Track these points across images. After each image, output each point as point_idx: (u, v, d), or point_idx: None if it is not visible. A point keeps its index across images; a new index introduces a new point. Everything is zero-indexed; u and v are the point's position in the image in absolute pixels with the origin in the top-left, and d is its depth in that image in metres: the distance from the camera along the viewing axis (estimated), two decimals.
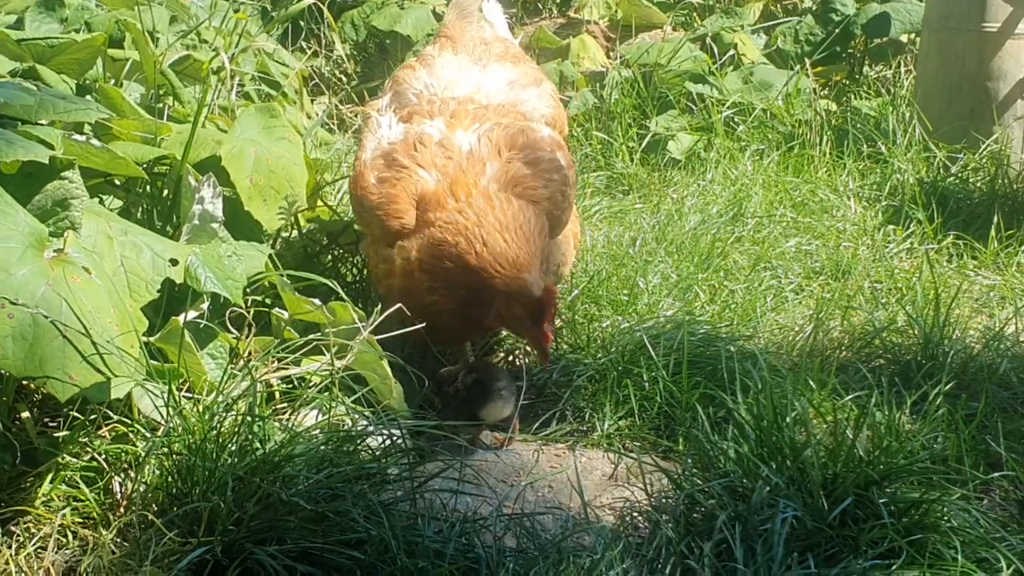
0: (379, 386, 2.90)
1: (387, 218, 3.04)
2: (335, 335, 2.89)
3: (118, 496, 2.52)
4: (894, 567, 2.27)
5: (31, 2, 4.71)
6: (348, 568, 2.33)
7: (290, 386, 2.91)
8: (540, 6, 7.41)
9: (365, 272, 3.72)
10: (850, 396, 2.88)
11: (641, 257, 4.14)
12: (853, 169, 5.23)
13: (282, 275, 3.06)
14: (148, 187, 3.19)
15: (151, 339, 2.69)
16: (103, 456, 2.57)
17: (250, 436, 2.48)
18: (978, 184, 5.01)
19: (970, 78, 5.34)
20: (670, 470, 2.67)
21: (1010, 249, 4.40)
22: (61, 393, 2.37)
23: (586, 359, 3.26)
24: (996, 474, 2.69)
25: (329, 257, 3.73)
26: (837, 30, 6.45)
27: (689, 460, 2.72)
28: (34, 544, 2.42)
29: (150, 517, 2.39)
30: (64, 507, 2.50)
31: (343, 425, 2.73)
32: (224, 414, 2.52)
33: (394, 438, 2.68)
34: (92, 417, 2.59)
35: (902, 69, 6.51)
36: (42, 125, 2.79)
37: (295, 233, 3.66)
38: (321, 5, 5.79)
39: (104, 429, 2.63)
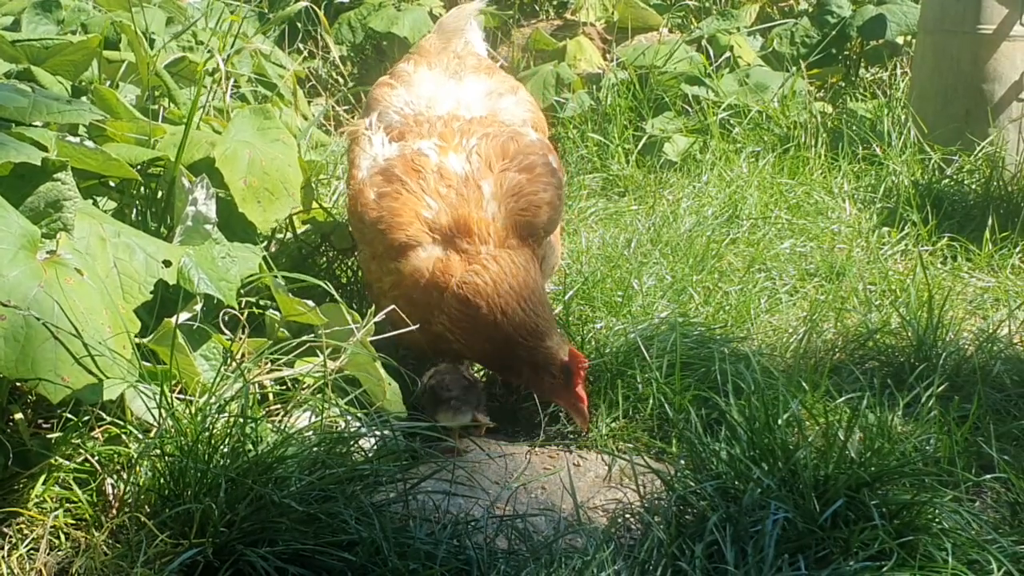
0: (373, 388, 2.91)
1: (390, 231, 3.07)
2: (329, 336, 2.89)
3: (110, 497, 2.52)
4: (885, 569, 2.27)
5: (28, 3, 4.71)
6: (339, 570, 2.33)
7: (283, 388, 2.91)
8: (536, 8, 7.42)
9: (360, 274, 3.72)
10: (843, 398, 2.89)
11: (636, 259, 4.14)
12: (848, 171, 5.24)
13: (276, 276, 3.07)
14: (142, 188, 3.20)
15: (144, 340, 2.70)
16: (96, 457, 2.57)
17: (242, 438, 2.48)
18: (973, 186, 5.02)
19: (965, 80, 5.35)
20: (662, 471, 2.67)
21: (1004, 251, 4.41)
22: (53, 395, 2.37)
23: None
24: (988, 476, 2.69)
25: (323, 259, 3.73)
26: (833, 32, 6.47)
27: (682, 462, 2.73)
28: (26, 546, 2.42)
29: (142, 519, 2.39)
30: (57, 508, 2.50)
31: (336, 427, 2.73)
32: (216, 416, 2.52)
33: (387, 440, 2.68)
34: (85, 418, 2.58)
35: (898, 71, 6.53)
36: (36, 127, 2.79)
37: (289, 234, 3.66)
38: (316, 7, 5.78)
39: (97, 430, 2.63)
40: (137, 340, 2.58)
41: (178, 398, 2.66)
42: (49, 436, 2.60)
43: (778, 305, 3.91)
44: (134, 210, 3.20)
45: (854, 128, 5.55)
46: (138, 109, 3.43)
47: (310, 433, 2.61)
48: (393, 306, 2.98)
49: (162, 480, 2.46)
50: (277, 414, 2.79)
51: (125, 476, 2.51)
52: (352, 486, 2.48)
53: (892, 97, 6.09)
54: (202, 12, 5.02)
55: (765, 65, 6.41)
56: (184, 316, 2.78)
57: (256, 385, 2.82)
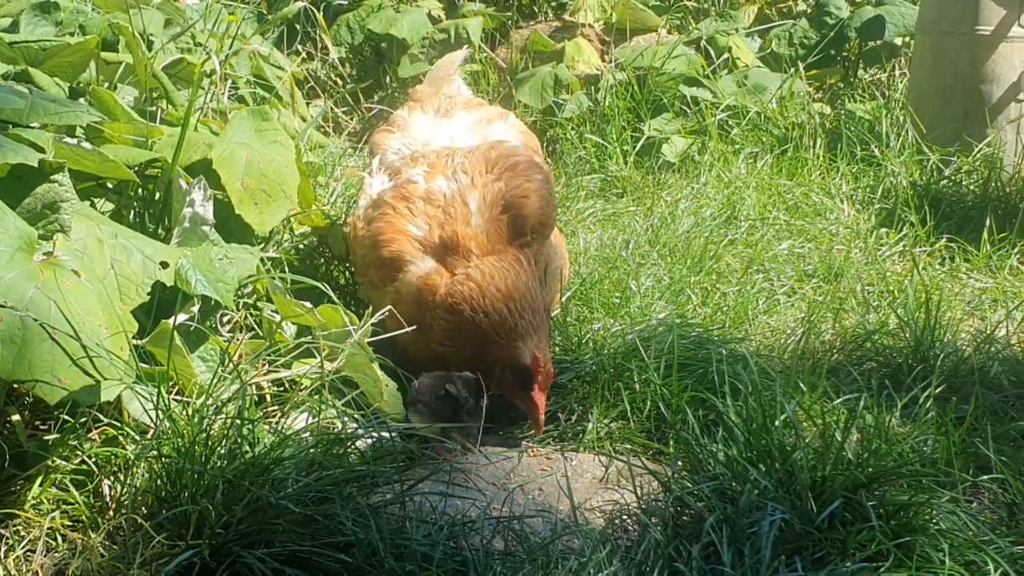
0: (370, 389, 2.91)
1: (378, 248, 3.16)
2: (326, 338, 2.89)
3: (107, 499, 2.52)
4: (882, 570, 2.27)
5: (26, 5, 4.71)
6: (336, 571, 2.33)
7: (281, 389, 2.91)
8: (535, 10, 7.42)
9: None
10: (840, 399, 2.89)
11: (634, 260, 4.15)
12: (846, 172, 5.24)
13: (273, 278, 3.07)
14: (140, 190, 3.20)
15: (141, 342, 2.70)
16: (93, 459, 2.57)
17: (239, 439, 2.49)
18: (971, 187, 5.02)
19: (963, 81, 5.35)
20: (659, 473, 2.67)
21: (1002, 252, 4.41)
22: (50, 396, 2.37)
23: (577, 362, 3.26)
24: (985, 477, 2.69)
25: (321, 260, 3.73)
26: (831, 33, 6.47)
27: (679, 463, 2.72)
28: (23, 547, 2.43)
29: (139, 520, 2.39)
30: (53, 510, 2.50)
31: (333, 428, 2.73)
32: (213, 417, 2.52)
33: (384, 441, 2.68)
34: (82, 420, 2.58)
35: (896, 72, 6.52)
36: (33, 128, 2.80)
37: (287, 236, 3.66)
38: (314, 9, 5.79)
39: (94, 432, 2.63)
40: (134, 341, 2.59)
41: (175, 399, 2.66)
42: (46, 438, 2.60)
43: (776, 306, 3.91)
44: (132, 212, 3.20)
45: (852, 129, 5.56)
46: (136, 111, 3.43)
47: (307, 434, 2.62)
48: (389, 307, 3.00)
49: (159, 482, 2.46)
50: (274, 415, 2.79)
51: (122, 478, 2.51)
52: (349, 487, 2.48)
53: (890, 98, 6.09)
54: (200, 14, 5.02)
55: (763, 66, 6.41)
56: (181, 317, 2.77)
57: (253, 386, 2.82)
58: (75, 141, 2.89)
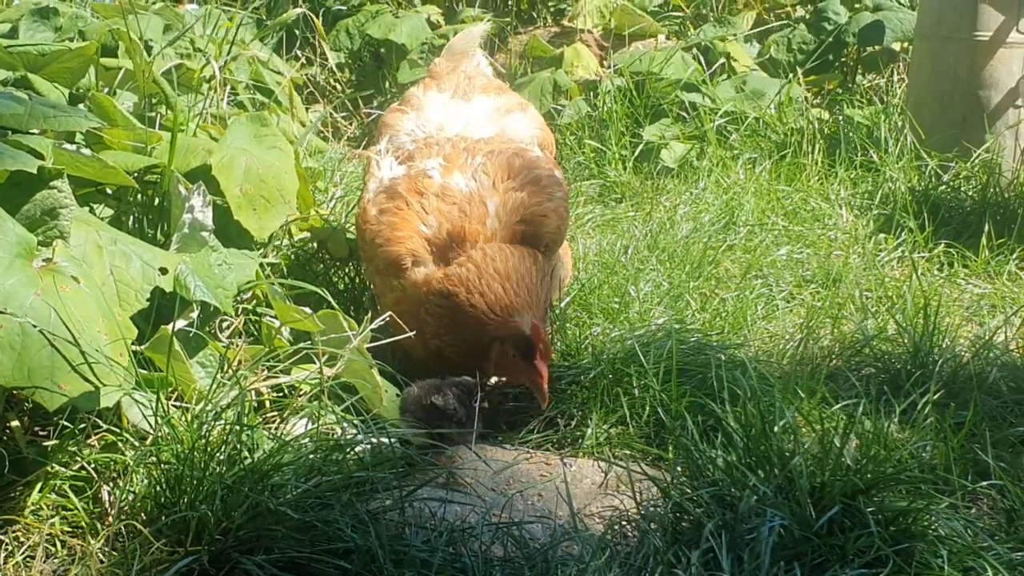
0: (369, 394, 2.91)
1: (388, 244, 3.11)
2: (326, 343, 2.90)
3: (107, 505, 2.52)
4: None
5: (26, 11, 4.72)
6: None
7: (280, 395, 2.91)
8: (534, 15, 7.44)
9: (357, 280, 3.73)
10: (839, 405, 2.89)
11: (633, 265, 4.15)
12: (845, 178, 5.25)
13: (273, 283, 3.07)
14: (139, 196, 3.20)
15: (141, 348, 2.70)
16: (92, 465, 2.57)
17: (239, 445, 2.48)
18: (969, 193, 5.03)
19: (962, 87, 5.36)
20: (659, 478, 2.67)
21: (1001, 258, 4.42)
22: (50, 402, 2.37)
23: (577, 367, 3.26)
24: (984, 483, 2.69)
25: (321, 266, 3.73)
26: (830, 39, 6.48)
27: (678, 468, 2.72)
28: (23, 553, 2.42)
29: (138, 526, 2.39)
30: (53, 516, 2.50)
31: (332, 434, 2.73)
32: (213, 423, 2.52)
33: (383, 447, 2.68)
34: (81, 426, 2.58)
35: (895, 77, 6.54)
36: (33, 134, 2.80)
37: (287, 241, 3.66)
38: (311, 14, 5.80)
39: (94, 438, 2.63)
40: (134, 347, 2.59)
41: (174, 405, 2.66)
42: (46, 444, 2.60)
43: (775, 312, 3.91)
44: (131, 217, 3.20)
45: (851, 135, 5.56)
46: (136, 116, 3.44)
47: (306, 440, 2.61)
48: (390, 313, 3.00)
49: (158, 488, 2.46)
50: (274, 421, 2.79)
51: (121, 484, 2.51)
52: (348, 493, 2.47)
53: (889, 103, 6.10)
54: (200, 19, 5.03)
55: (762, 72, 6.43)
56: (181, 323, 2.78)
57: (253, 392, 2.82)
58: (74, 147, 2.89)
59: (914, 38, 5.85)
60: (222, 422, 2.54)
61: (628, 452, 2.99)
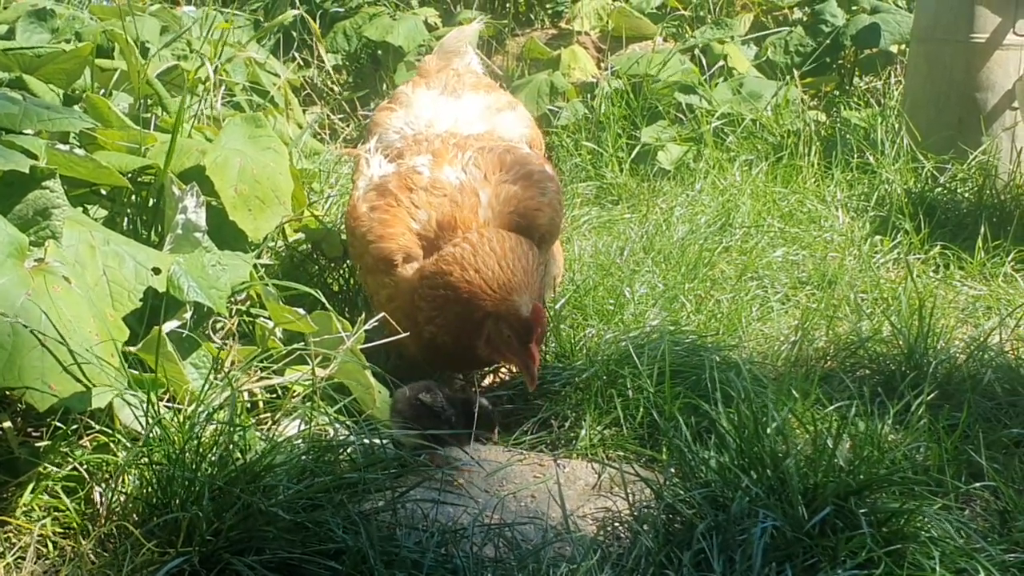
0: (362, 396, 2.91)
1: (379, 241, 3.09)
2: (319, 345, 2.89)
3: (98, 506, 2.52)
4: None
5: (23, 12, 4.73)
6: None
7: (273, 396, 2.91)
8: (532, 17, 7.44)
9: (351, 282, 3.73)
10: (833, 406, 2.89)
11: (628, 267, 4.15)
12: (841, 180, 5.25)
13: (266, 284, 3.07)
14: (133, 196, 3.20)
15: (133, 348, 2.70)
16: (84, 466, 2.57)
17: (230, 446, 2.48)
18: (965, 195, 5.03)
19: (958, 89, 5.36)
20: (651, 480, 2.66)
21: (996, 259, 4.42)
22: (40, 403, 2.37)
23: (571, 368, 3.26)
24: (977, 484, 2.69)
25: (315, 267, 3.73)
26: (827, 41, 6.48)
27: (671, 470, 2.72)
28: (14, 554, 2.42)
29: (129, 527, 2.39)
30: (44, 517, 2.50)
31: (325, 435, 2.73)
32: (205, 424, 2.52)
33: (375, 448, 2.68)
34: (73, 427, 2.58)
35: (891, 80, 6.54)
36: (27, 135, 2.80)
37: (281, 242, 3.66)
38: (308, 16, 5.80)
39: (85, 439, 2.63)
40: (126, 348, 2.59)
41: (167, 406, 2.66)
42: (37, 444, 2.60)
43: (770, 313, 3.91)
44: (125, 218, 3.20)
45: (847, 137, 5.56)
46: (130, 117, 3.44)
47: (299, 441, 2.61)
48: (383, 314, 3.00)
49: (149, 489, 2.45)
50: (266, 422, 2.79)
51: (113, 484, 2.51)
52: (340, 495, 2.47)
53: (886, 106, 6.10)
54: (196, 21, 5.03)
55: (759, 74, 6.43)
56: (173, 324, 2.78)
57: (246, 393, 2.82)
58: (68, 148, 2.89)
59: (911, 40, 5.85)
60: (214, 423, 2.54)
61: (621, 453, 2.99)
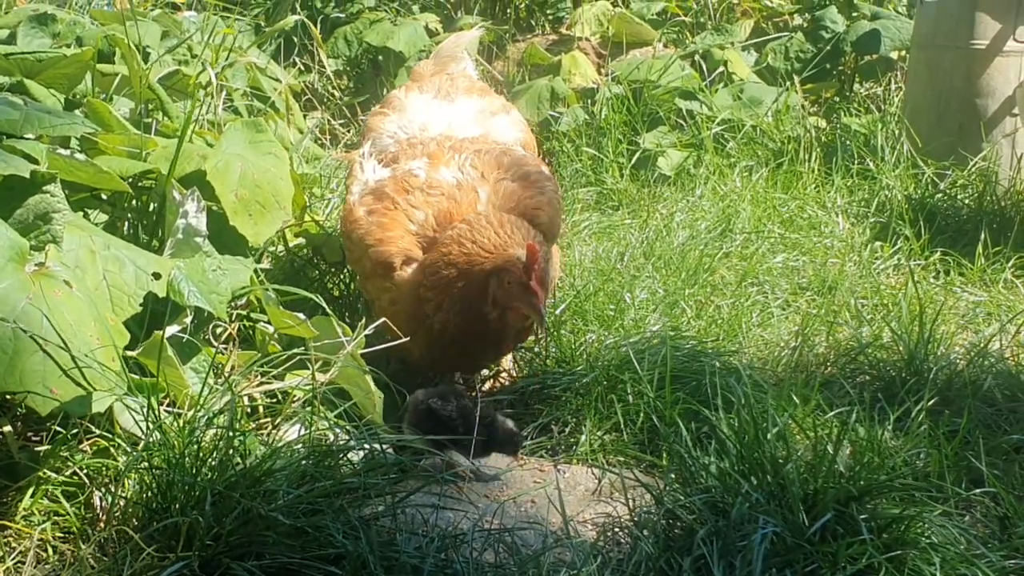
0: (362, 401, 2.90)
1: (378, 245, 3.09)
2: (319, 349, 2.89)
3: (98, 510, 2.52)
4: None
5: (24, 17, 4.73)
6: None
7: (273, 400, 2.91)
8: (532, 23, 7.45)
9: (352, 287, 3.73)
10: (833, 412, 2.89)
11: (629, 272, 4.15)
12: (841, 186, 5.25)
13: (267, 289, 3.07)
14: (133, 201, 3.20)
15: (133, 353, 2.70)
16: (84, 470, 2.57)
17: (230, 451, 2.48)
18: (966, 201, 5.03)
19: (959, 95, 5.36)
20: (651, 485, 2.66)
21: (996, 266, 4.42)
22: (41, 407, 2.37)
23: (571, 373, 3.26)
24: (977, 491, 2.68)
25: (315, 272, 3.73)
26: (827, 47, 6.50)
27: (671, 475, 2.72)
28: (13, 558, 2.42)
29: (129, 532, 2.39)
30: (44, 521, 2.50)
31: (325, 440, 2.73)
32: (205, 429, 2.52)
33: (375, 453, 2.68)
34: (74, 431, 2.58)
35: (892, 86, 6.55)
36: (28, 139, 2.80)
37: (281, 247, 3.66)
38: (309, 21, 5.81)
39: (85, 443, 2.63)
40: (126, 353, 2.58)
41: (167, 411, 2.66)
42: (37, 449, 2.59)
43: (770, 319, 3.91)
44: (125, 223, 3.20)
45: (848, 143, 5.57)
46: (131, 122, 3.44)
47: (299, 446, 2.61)
48: (383, 320, 3.00)
49: (149, 493, 2.45)
50: (266, 427, 2.78)
51: (113, 489, 2.51)
52: (340, 500, 2.47)
53: (886, 112, 6.11)
54: (197, 26, 5.04)
55: (759, 80, 6.44)
56: (174, 329, 2.78)
57: (246, 398, 2.82)
58: (69, 152, 2.89)
59: (911, 47, 5.86)
60: (214, 428, 2.54)
61: (622, 459, 2.99)
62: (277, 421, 2.75)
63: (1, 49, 3.41)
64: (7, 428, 2.59)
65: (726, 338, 3.66)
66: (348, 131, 6.56)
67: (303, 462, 2.55)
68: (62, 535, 2.49)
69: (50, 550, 2.45)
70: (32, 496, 2.53)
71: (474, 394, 3.30)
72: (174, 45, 4.44)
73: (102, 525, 2.48)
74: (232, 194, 3.04)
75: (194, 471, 2.43)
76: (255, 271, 3.16)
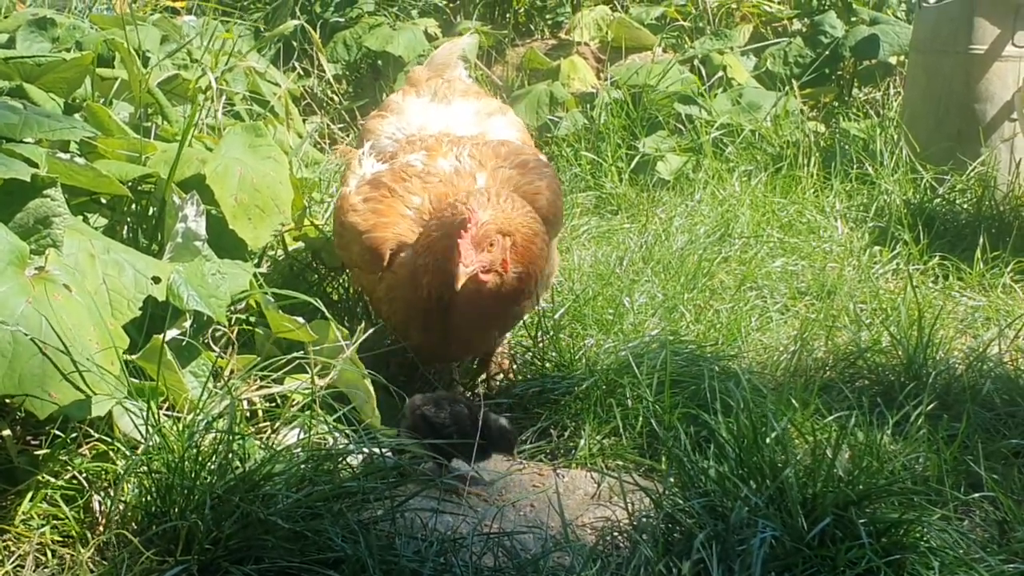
0: (361, 404, 2.91)
1: (373, 231, 3.10)
2: (318, 353, 2.90)
3: (97, 514, 2.52)
4: None
5: (23, 21, 4.73)
6: None
7: (272, 404, 2.91)
8: (531, 27, 7.46)
9: (351, 291, 3.73)
10: (832, 416, 2.89)
11: (627, 276, 4.15)
12: (840, 190, 5.26)
13: (266, 293, 3.07)
14: (133, 205, 3.20)
15: (133, 357, 2.70)
16: (83, 474, 2.57)
17: (229, 455, 2.48)
18: (964, 205, 5.04)
19: (957, 100, 5.37)
20: (651, 489, 2.66)
21: (995, 270, 4.42)
22: (40, 411, 2.37)
23: (570, 378, 3.26)
24: (976, 495, 2.69)
25: (315, 276, 3.73)
26: (826, 52, 6.50)
27: (670, 479, 2.72)
28: (13, 562, 2.42)
29: (128, 536, 2.39)
30: (43, 525, 2.50)
31: (324, 444, 2.73)
32: (204, 433, 2.52)
33: (375, 457, 2.68)
34: (73, 435, 2.58)
35: (891, 91, 6.55)
36: (27, 143, 2.80)
37: (280, 251, 3.67)
38: (308, 26, 5.82)
39: (85, 447, 2.63)
40: (126, 356, 2.58)
41: (166, 415, 2.66)
42: (37, 453, 2.59)
43: (769, 323, 3.92)
44: (125, 227, 3.21)
45: (847, 147, 5.57)
46: (131, 126, 3.44)
47: (298, 450, 2.61)
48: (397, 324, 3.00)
49: (148, 497, 2.45)
50: (265, 431, 2.79)
51: (112, 493, 2.51)
52: (339, 503, 2.47)
53: (885, 117, 6.12)
54: (197, 31, 5.05)
55: (758, 85, 6.44)
56: (173, 332, 2.78)
57: (245, 402, 2.82)
58: (69, 156, 2.89)
59: (910, 51, 5.86)
60: (213, 432, 2.54)
61: (621, 463, 2.99)
62: (276, 425, 2.75)
63: (1, 53, 3.41)
64: (6, 432, 2.59)
65: (725, 342, 3.66)
66: (347, 135, 6.56)
67: (302, 466, 2.55)
68: (61, 539, 2.49)
69: (49, 554, 2.45)
70: (31, 500, 2.53)
71: (471, 395, 3.31)
72: (174, 49, 4.44)
73: (101, 529, 2.48)
74: (231, 198, 3.04)
75: (193, 475, 2.43)
76: (254, 275, 3.16)
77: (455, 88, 3.65)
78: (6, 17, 5.05)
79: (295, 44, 6.74)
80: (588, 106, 6.29)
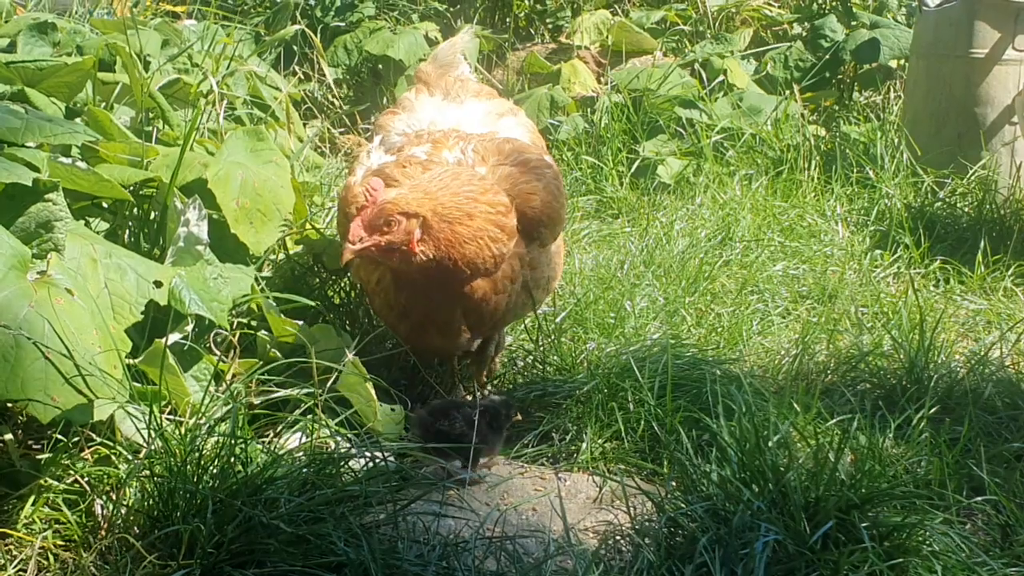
0: (363, 408, 2.91)
1: None
2: (320, 357, 2.89)
3: (99, 518, 2.52)
4: None
5: (24, 25, 4.73)
6: None
7: (275, 408, 2.91)
8: (532, 32, 7.46)
9: (352, 294, 3.73)
10: (834, 420, 2.89)
11: (629, 280, 4.15)
12: (841, 194, 5.26)
13: (268, 297, 3.07)
14: (135, 210, 3.20)
15: (135, 361, 2.70)
16: (85, 478, 2.57)
17: (232, 459, 2.48)
18: (965, 209, 5.04)
19: (958, 104, 5.38)
20: (653, 493, 2.66)
21: (996, 274, 4.42)
22: (43, 415, 2.38)
23: (572, 381, 3.26)
24: (978, 498, 2.69)
25: (316, 279, 3.73)
26: (826, 56, 6.50)
27: (672, 483, 2.72)
28: (15, 567, 2.42)
29: (131, 540, 2.39)
30: (46, 529, 2.50)
31: (326, 448, 2.73)
32: (206, 437, 2.52)
33: (377, 461, 2.68)
34: (75, 439, 2.58)
35: (891, 95, 6.56)
36: (29, 147, 2.81)
37: (282, 255, 3.67)
38: (309, 30, 5.82)
39: (87, 451, 2.63)
40: (128, 360, 2.59)
41: (168, 419, 2.66)
42: (39, 457, 2.60)
43: (770, 327, 3.92)
44: (127, 231, 3.21)
45: (847, 151, 5.58)
46: (132, 131, 3.45)
47: (300, 454, 2.61)
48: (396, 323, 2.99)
49: (151, 501, 2.45)
50: (267, 435, 2.78)
51: (114, 497, 2.51)
52: (341, 507, 2.47)
53: (885, 120, 6.12)
54: (198, 35, 5.05)
55: (759, 89, 6.44)
56: (175, 336, 2.78)
57: (247, 405, 2.82)
58: (70, 160, 2.90)
59: (910, 55, 5.87)
60: (215, 436, 2.54)
61: (623, 467, 2.98)
62: (278, 429, 2.75)
63: (2, 58, 3.42)
64: (8, 436, 2.60)
65: (726, 346, 3.67)
66: (348, 140, 6.57)
67: (304, 470, 2.55)
68: (63, 543, 2.49)
69: (51, 558, 2.45)
70: (33, 504, 2.53)
71: (468, 395, 3.30)
72: (175, 54, 4.44)
73: (103, 533, 2.48)
74: (233, 202, 3.05)
75: (196, 479, 2.43)
76: (256, 279, 3.16)
77: (468, 88, 3.65)
78: (7, 21, 5.05)
79: (296, 48, 6.75)
80: (589, 110, 6.29)
